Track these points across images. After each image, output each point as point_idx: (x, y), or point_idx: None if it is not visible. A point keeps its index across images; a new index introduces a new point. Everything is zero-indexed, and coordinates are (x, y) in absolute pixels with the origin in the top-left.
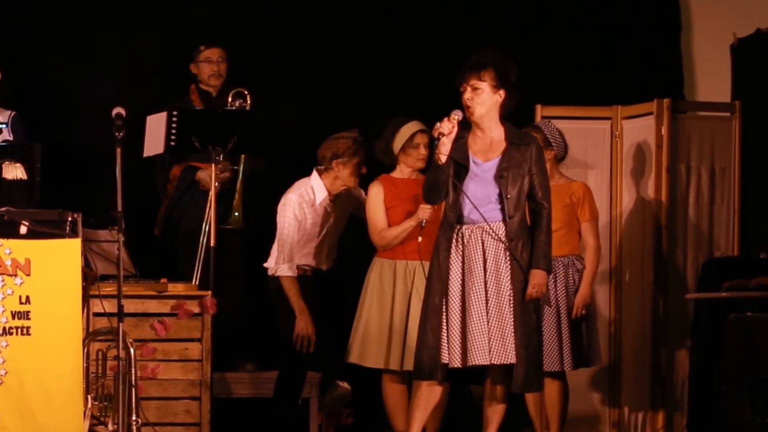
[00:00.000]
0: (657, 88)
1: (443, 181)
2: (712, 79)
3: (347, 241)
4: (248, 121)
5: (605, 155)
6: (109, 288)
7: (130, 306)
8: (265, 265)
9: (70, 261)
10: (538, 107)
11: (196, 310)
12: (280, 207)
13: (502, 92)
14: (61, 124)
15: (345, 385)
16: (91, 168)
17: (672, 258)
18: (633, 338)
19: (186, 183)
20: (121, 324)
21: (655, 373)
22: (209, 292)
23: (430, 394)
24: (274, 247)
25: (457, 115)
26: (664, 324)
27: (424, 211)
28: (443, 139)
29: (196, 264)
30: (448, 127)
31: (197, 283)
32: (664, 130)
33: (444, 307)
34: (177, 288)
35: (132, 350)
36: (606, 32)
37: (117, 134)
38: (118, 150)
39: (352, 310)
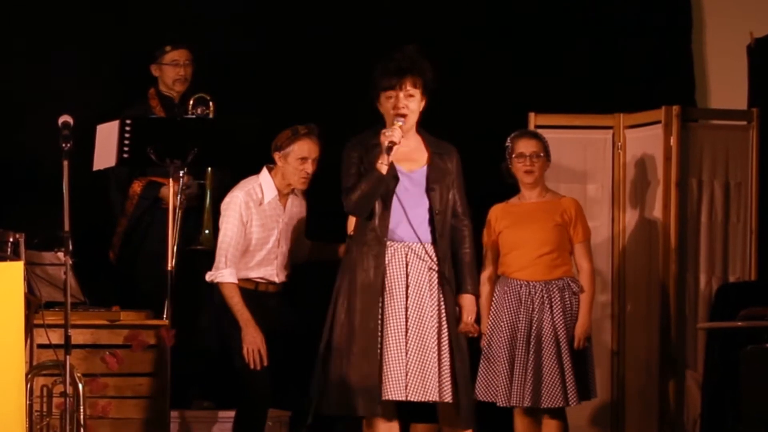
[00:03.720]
0: (665, 94)
1: (381, 194)
2: (726, 83)
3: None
4: (210, 130)
5: (606, 168)
6: (54, 317)
7: (78, 337)
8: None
9: (11, 286)
10: (531, 115)
11: (152, 341)
12: (223, 205)
13: (425, 100)
14: (1, 133)
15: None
16: (36, 183)
17: (682, 283)
18: (638, 372)
19: (148, 200)
20: (68, 357)
21: (663, 412)
22: (166, 322)
23: None
24: None
25: (400, 122)
26: (673, 357)
27: None
28: (395, 148)
29: (166, 292)
30: (398, 135)
31: (166, 312)
32: (673, 141)
33: (379, 331)
34: (131, 317)
35: (80, 386)
36: (608, 31)
37: (64, 145)
38: (65, 163)
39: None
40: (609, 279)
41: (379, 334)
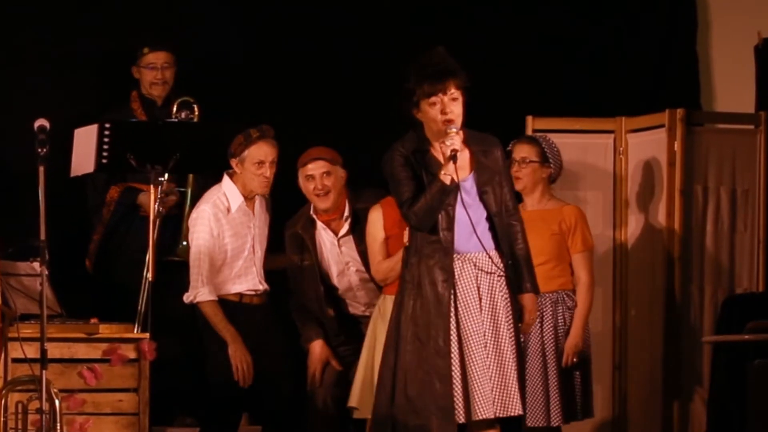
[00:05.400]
0: (669, 97)
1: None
2: (733, 86)
3: None
4: (193, 134)
5: (607, 175)
6: (30, 330)
7: (54, 350)
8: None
9: None
10: (529, 119)
11: (132, 355)
12: (191, 222)
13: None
14: None
15: None
16: (10, 190)
17: (686, 295)
18: (641, 388)
19: (125, 207)
20: (44, 371)
21: (667, 428)
22: (147, 335)
23: None
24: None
25: (453, 129)
26: (677, 371)
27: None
28: (458, 156)
29: (140, 303)
30: (459, 142)
31: (141, 324)
32: (677, 146)
33: (457, 349)
34: (110, 330)
35: (57, 402)
36: (609, 31)
37: (40, 150)
38: (41, 168)
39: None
40: (610, 290)
41: (458, 351)
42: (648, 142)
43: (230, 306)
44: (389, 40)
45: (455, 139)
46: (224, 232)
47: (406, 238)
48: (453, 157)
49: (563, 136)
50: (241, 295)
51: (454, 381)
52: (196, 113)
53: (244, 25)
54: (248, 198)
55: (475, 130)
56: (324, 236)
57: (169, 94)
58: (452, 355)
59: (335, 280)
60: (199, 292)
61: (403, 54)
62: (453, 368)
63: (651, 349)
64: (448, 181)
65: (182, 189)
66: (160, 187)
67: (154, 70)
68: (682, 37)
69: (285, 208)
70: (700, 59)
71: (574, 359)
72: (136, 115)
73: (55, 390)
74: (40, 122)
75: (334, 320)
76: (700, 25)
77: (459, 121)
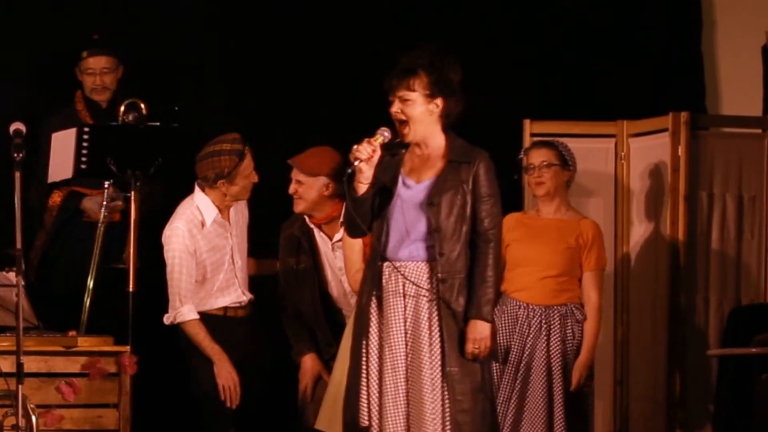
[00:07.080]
0: (673, 99)
1: (363, 214)
2: (739, 87)
3: None
4: (174, 139)
5: (609, 180)
6: (5, 342)
7: (31, 364)
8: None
9: None
10: (527, 123)
11: (112, 369)
12: (164, 239)
13: (439, 101)
14: None
15: None
16: None
17: (691, 306)
18: (643, 403)
19: (68, 213)
20: (20, 386)
21: None
22: (128, 348)
23: None
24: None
25: (382, 135)
26: (682, 386)
27: None
28: (360, 166)
29: (83, 311)
30: (366, 152)
31: (82, 335)
32: (681, 151)
33: (364, 359)
34: (89, 343)
35: (34, 418)
36: (609, 31)
37: (15, 155)
38: (17, 174)
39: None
40: (612, 301)
41: (377, 361)
42: (651, 147)
43: (214, 321)
44: (385, 40)
45: (362, 149)
46: (201, 247)
47: None
48: (351, 166)
49: (562, 141)
50: (225, 308)
51: (371, 391)
52: (144, 114)
53: (224, 25)
54: (223, 209)
55: (465, 141)
56: (319, 240)
57: (114, 96)
58: (371, 366)
59: (328, 286)
60: (179, 313)
61: (399, 54)
62: (370, 378)
63: (654, 363)
64: (358, 191)
65: (127, 195)
66: (105, 192)
67: (93, 76)
68: (687, 37)
69: (273, 214)
70: (705, 60)
71: (582, 382)
72: (80, 117)
73: (32, 405)
74: (16, 126)
75: (328, 328)
76: (705, 24)
77: (416, 126)
